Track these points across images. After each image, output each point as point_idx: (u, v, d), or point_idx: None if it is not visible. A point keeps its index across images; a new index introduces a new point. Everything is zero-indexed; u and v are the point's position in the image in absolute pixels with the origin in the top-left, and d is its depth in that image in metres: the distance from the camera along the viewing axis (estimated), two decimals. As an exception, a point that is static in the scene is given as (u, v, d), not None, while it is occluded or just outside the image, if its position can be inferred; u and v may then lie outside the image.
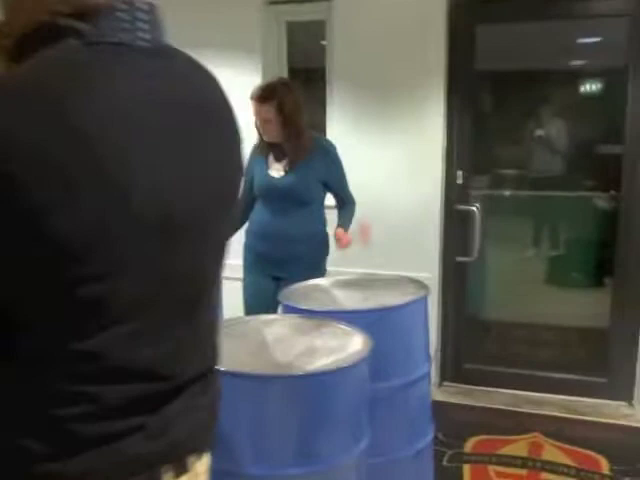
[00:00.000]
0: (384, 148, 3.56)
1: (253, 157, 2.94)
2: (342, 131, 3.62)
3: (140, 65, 0.80)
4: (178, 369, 0.87)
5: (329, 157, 2.90)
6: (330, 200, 3.78)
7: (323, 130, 3.73)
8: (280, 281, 2.84)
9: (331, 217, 3.07)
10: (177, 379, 0.87)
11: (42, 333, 0.76)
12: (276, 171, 2.89)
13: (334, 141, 3.62)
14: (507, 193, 4.40)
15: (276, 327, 2.19)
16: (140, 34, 0.80)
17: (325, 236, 3.00)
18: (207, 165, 0.86)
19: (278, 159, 2.88)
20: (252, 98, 2.76)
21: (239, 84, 3.69)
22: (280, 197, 2.86)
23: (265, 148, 2.89)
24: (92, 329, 0.76)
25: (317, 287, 2.59)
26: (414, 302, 2.33)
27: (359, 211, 3.59)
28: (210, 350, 0.97)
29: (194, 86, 0.88)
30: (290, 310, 2.30)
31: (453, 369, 3.78)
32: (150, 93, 0.79)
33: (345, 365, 1.85)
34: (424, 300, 2.38)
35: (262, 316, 2.27)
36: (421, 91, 3.46)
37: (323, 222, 3.00)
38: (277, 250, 2.89)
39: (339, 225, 2.88)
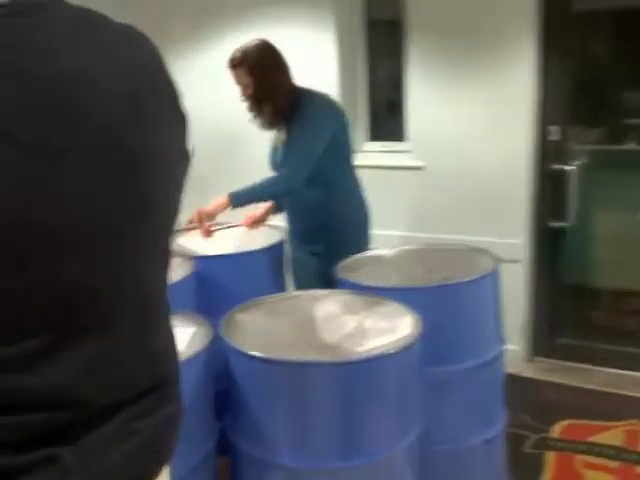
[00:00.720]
0: (467, 103, 3.24)
1: None
2: (422, 86, 3.34)
3: None
4: (93, 393, 0.73)
5: (301, 116, 2.51)
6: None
7: (403, 85, 3.46)
8: (318, 257, 2.65)
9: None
10: (95, 404, 0.74)
11: None
12: (280, 143, 2.64)
13: (414, 96, 3.36)
14: (625, 147, 3.92)
15: (326, 303, 2.04)
16: None
17: (351, 205, 2.69)
18: (101, 159, 0.69)
19: (280, 130, 2.63)
20: (228, 65, 2.54)
21: (310, 42, 3.52)
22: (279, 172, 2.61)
23: (267, 119, 2.59)
24: None
25: (378, 258, 2.40)
26: (482, 278, 2.08)
27: (430, 175, 3.33)
28: (150, 365, 0.82)
29: (88, 53, 0.69)
30: (344, 284, 2.13)
31: (546, 343, 3.47)
32: (17, 71, 0.62)
33: (391, 351, 1.67)
34: (494, 275, 2.12)
35: (312, 291, 2.13)
36: (508, 39, 3.10)
37: (345, 190, 2.66)
38: (298, 226, 2.70)
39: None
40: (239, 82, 2.54)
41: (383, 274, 2.24)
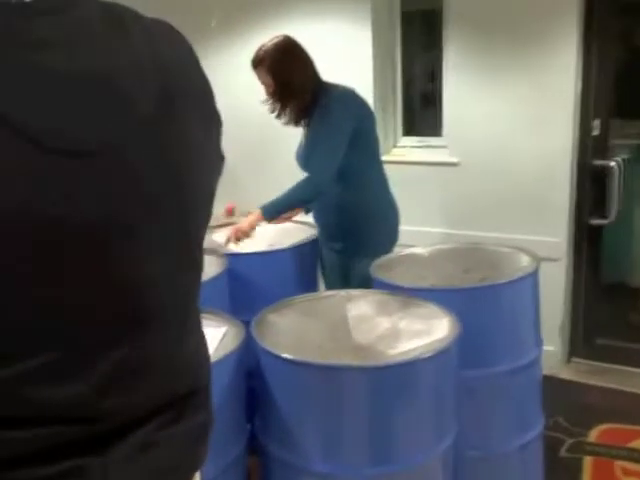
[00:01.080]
0: (506, 98, 3.15)
1: None
2: (459, 79, 3.26)
3: (17, 29, 0.60)
4: (123, 404, 0.71)
5: (321, 111, 2.44)
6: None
7: (439, 79, 3.39)
8: (342, 255, 2.59)
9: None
10: (124, 414, 0.72)
11: None
12: (304, 139, 2.58)
13: (450, 90, 3.28)
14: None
15: (360, 304, 2.00)
16: None
17: (378, 203, 2.59)
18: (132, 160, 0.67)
19: (305, 126, 2.57)
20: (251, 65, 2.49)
21: (347, 36, 3.46)
22: (304, 170, 2.53)
23: (291, 117, 2.53)
24: None
25: (413, 257, 2.35)
26: (522, 278, 2.02)
27: (467, 171, 3.25)
28: (182, 372, 0.80)
29: (122, 51, 0.67)
30: (379, 284, 2.09)
31: (584, 344, 3.37)
32: (36, 68, 0.60)
33: (428, 354, 1.62)
34: (534, 275, 2.06)
35: (346, 291, 2.09)
36: (550, 33, 2.99)
37: (371, 187, 2.57)
38: (325, 224, 2.63)
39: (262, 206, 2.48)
40: (262, 82, 2.50)
41: (419, 274, 2.20)
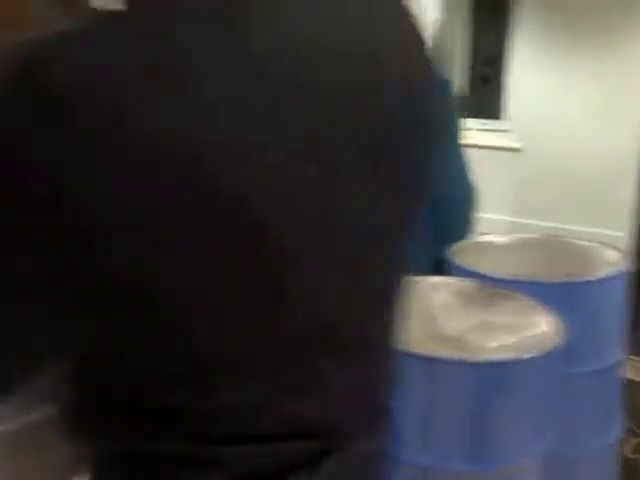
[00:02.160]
0: (576, 85, 3.04)
1: None
2: (526, 63, 3.13)
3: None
4: (346, 420, 0.63)
5: None
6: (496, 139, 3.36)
7: (503, 59, 3.26)
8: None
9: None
10: (343, 432, 0.63)
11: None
12: None
13: (516, 71, 3.17)
14: None
15: (443, 292, 1.91)
16: None
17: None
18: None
19: None
20: None
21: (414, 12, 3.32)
22: None
23: None
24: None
25: (493, 245, 2.26)
26: (613, 277, 1.93)
27: (529, 157, 3.15)
28: (386, 386, 0.72)
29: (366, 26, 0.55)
30: (459, 271, 2.00)
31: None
32: (292, 44, 0.48)
33: (537, 355, 1.54)
34: (623, 275, 1.97)
35: (430, 278, 2.00)
36: (627, 17, 2.87)
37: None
38: None
39: None
40: None
41: (501, 262, 2.10)
